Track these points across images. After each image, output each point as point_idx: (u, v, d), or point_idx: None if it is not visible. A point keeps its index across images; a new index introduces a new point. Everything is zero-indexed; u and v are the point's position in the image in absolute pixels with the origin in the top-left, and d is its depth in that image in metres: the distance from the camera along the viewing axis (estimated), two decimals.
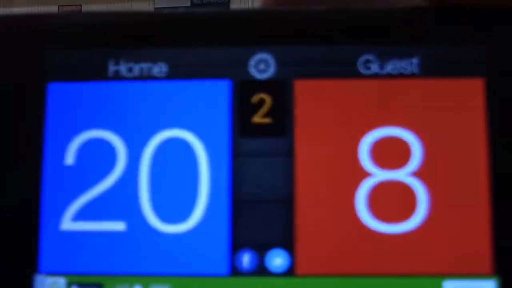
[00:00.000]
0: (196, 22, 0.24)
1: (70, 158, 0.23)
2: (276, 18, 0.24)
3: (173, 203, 0.23)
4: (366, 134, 0.23)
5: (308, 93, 0.23)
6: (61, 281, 0.23)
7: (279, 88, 0.23)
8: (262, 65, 0.23)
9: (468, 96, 0.23)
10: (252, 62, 0.23)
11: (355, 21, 0.23)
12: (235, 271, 0.23)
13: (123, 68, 0.23)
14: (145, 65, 0.24)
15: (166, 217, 0.23)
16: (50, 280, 0.23)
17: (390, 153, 0.23)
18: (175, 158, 0.23)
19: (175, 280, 0.23)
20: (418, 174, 0.23)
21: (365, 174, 0.23)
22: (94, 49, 0.24)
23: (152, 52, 0.24)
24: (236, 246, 0.23)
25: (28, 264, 0.23)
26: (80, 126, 0.24)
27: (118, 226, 0.23)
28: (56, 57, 0.24)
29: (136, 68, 0.24)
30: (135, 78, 0.24)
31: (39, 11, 0.25)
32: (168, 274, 0.23)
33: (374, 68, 0.23)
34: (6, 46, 0.24)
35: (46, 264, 0.23)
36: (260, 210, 0.23)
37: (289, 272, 0.22)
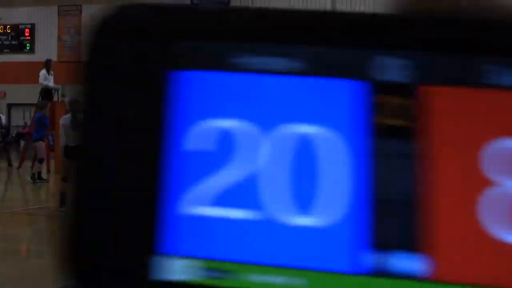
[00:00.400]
0: (331, 23, 0.23)
1: (192, 144, 0.23)
2: (407, 24, 0.23)
3: (309, 197, 0.22)
4: (491, 143, 0.22)
5: (435, 99, 0.22)
6: (192, 263, 0.22)
7: (407, 93, 0.23)
8: (392, 70, 0.23)
9: None
10: (382, 66, 0.23)
11: (482, 32, 0.22)
12: (372, 271, 0.22)
13: (249, 61, 0.23)
14: (271, 60, 0.23)
15: (302, 211, 0.22)
16: (181, 262, 0.22)
17: None
18: (305, 153, 0.22)
19: (312, 274, 0.22)
20: None
21: (489, 183, 0.22)
22: (221, 41, 0.23)
23: (284, 48, 0.23)
24: (374, 246, 0.22)
25: (150, 245, 0.22)
26: (204, 114, 0.23)
27: (248, 214, 0.22)
28: (183, 47, 0.23)
29: (262, 62, 0.23)
30: (262, 71, 0.23)
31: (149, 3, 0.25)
32: (305, 268, 0.22)
33: (500, 79, 0.22)
34: (134, 35, 0.24)
35: (170, 246, 0.22)
36: (394, 211, 0.22)
37: (424, 275, 0.22)
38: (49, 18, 32.90)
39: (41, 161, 13.96)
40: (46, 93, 16.59)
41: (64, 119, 9.98)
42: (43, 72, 16.45)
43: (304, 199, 0.22)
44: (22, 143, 24.36)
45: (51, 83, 16.59)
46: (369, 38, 0.23)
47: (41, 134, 14.05)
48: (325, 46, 0.23)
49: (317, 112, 0.23)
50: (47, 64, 16.58)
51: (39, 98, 17.25)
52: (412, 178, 0.22)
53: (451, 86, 0.22)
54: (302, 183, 0.22)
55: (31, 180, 13.42)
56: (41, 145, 14.04)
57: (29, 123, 22.67)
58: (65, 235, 0.23)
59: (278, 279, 0.21)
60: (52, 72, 16.57)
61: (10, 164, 17.33)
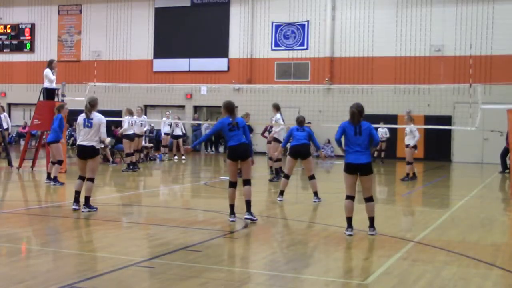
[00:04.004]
0: None
1: None
2: None
3: None
4: None
5: None
6: None
7: None
8: None
9: None
10: None
11: None
12: None
13: None
14: None
15: None
16: None
17: None
18: None
19: None
20: None
21: None
22: None
23: None
24: None
25: None
26: None
27: None
28: None
29: None
30: None
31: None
32: None
33: None
34: None
35: None
36: None
37: None
38: (49, 18, 32.90)
39: (60, 162, 13.72)
40: (49, 93, 16.49)
41: (80, 118, 9.95)
42: (48, 70, 16.27)
43: None
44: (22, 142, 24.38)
45: (54, 83, 16.50)
46: None
47: (58, 136, 13.81)
48: None
49: None
50: (51, 65, 16.40)
51: (39, 98, 17.23)
52: None
53: None
54: None
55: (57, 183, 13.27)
56: (58, 146, 13.79)
57: (29, 123, 22.67)
58: None
59: None
60: (55, 71, 16.43)
61: (10, 164, 17.31)
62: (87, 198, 9.68)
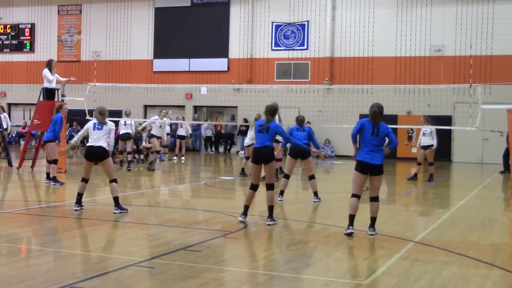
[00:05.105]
0: None
1: None
2: None
3: None
4: None
5: None
6: None
7: None
8: None
9: None
10: None
11: None
12: None
13: None
14: None
15: None
16: None
17: None
18: None
19: None
20: None
21: None
22: None
23: None
24: None
25: None
26: None
27: None
28: None
29: None
30: None
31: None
32: None
33: None
34: None
35: None
36: None
37: None
38: (49, 18, 32.88)
39: (55, 162, 13.58)
40: (49, 93, 16.45)
41: (90, 123, 10.03)
42: (47, 70, 16.20)
43: None
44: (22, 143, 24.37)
45: (53, 83, 16.45)
46: None
47: (55, 136, 13.74)
48: None
49: None
50: (50, 65, 16.34)
51: (39, 98, 17.21)
52: None
53: None
54: None
55: (56, 183, 13.17)
56: (53, 146, 13.73)
57: (29, 123, 22.65)
58: None
59: None
60: (54, 71, 16.40)
61: (10, 164, 17.30)
62: (115, 199, 9.68)
